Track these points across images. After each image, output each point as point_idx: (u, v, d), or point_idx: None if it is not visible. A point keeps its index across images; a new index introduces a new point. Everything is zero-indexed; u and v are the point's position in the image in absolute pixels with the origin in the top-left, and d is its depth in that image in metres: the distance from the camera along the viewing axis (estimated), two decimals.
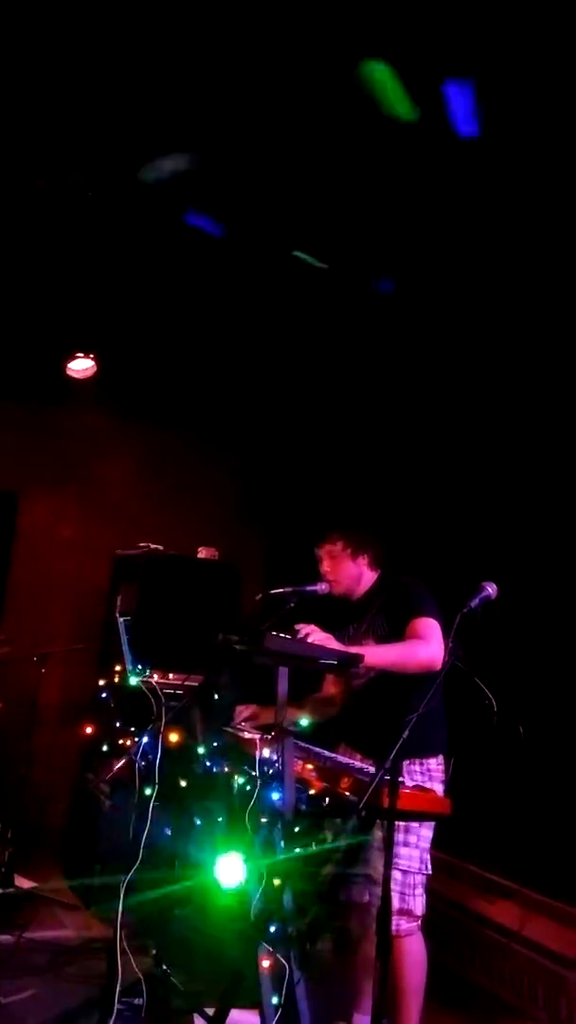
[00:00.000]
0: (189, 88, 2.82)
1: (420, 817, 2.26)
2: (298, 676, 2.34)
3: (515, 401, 3.68)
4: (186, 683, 2.81)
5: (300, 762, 2.24)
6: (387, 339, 4.12)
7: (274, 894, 2.12)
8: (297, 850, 2.15)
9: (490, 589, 1.97)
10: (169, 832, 2.80)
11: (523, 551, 3.44)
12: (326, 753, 2.35)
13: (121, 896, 2.46)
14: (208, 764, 2.59)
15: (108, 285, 4.08)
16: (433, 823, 2.43)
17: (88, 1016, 2.59)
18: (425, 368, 4.09)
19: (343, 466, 4.59)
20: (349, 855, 2.34)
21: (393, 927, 2.35)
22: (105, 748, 3.90)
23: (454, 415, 4.02)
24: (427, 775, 2.49)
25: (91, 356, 4.70)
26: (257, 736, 2.33)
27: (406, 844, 2.42)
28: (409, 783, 2.11)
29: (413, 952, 2.46)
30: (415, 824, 2.40)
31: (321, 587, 2.64)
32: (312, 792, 2.17)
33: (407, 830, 2.41)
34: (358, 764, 2.25)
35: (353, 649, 2.34)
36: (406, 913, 2.42)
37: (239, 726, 2.56)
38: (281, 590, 2.56)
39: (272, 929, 2.13)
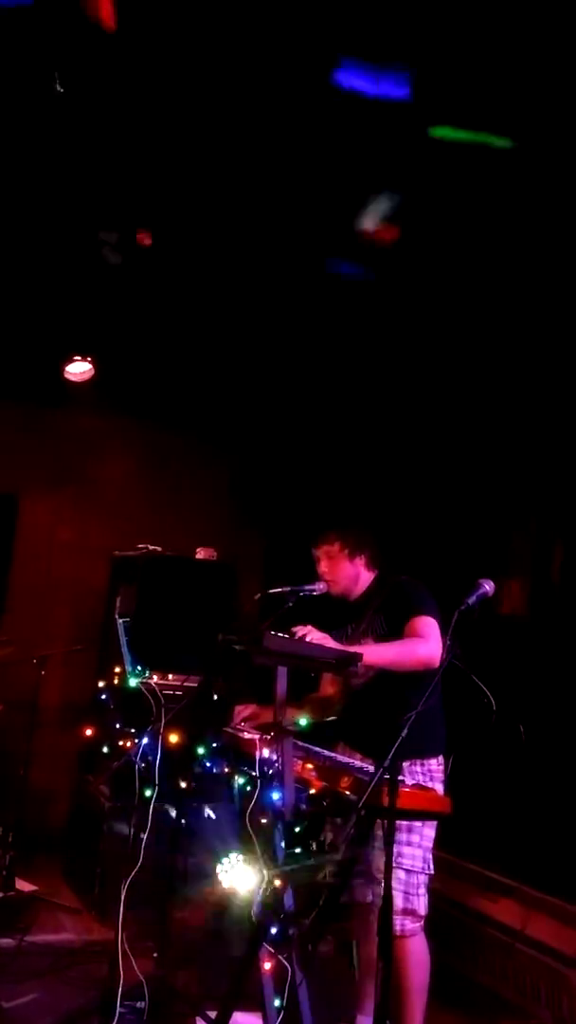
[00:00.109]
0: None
1: (420, 816, 2.25)
2: (297, 676, 2.33)
3: (511, 401, 3.67)
4: (185, 684, 2.80)
5: (300, 762, 2.23)
6: (385, 340, 4.12)
7: (275, 895, 2.11)
8: (298, 851, 2.14)
9: (487, 586, 1.96)
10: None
11: (520, 549, 3.44)
12: (325, 752, 2.35)
13: (122, 899, 2.45)
14: (208, 765, 2.58)
15: (105, 287, 4.07)
16: (435, 822, 2.43)
17: (90, 1020, 2.58)
18: (422, 368, 4.09)
19: (340, 467, 4.59)
20: (348, 855, 2.33)
21: (398, 927, 2.35)
22: (105, 750, 3.89)
23: (449, 416, 4.02)
24: (428, 775, 2.49)
25: (88, 359, 4.70)
26: (257, 736, 2.33)
27: (409, 843, 2.42)
28: (409, 782, 2.11)
29: (416, 952, 2.45)
30: (418, 823, 2.40)
31: (319, 587, 2.64)
32: (312, 792, 2.17)
33: (410, 829, 2.41)
34: (358, 763, 2.24)
35: (352, 648, 2.34)
36: (410, 913, 2.42)
37: (238, 726, 2.55)
38: (279, 590, 2.56)
39: (274, 930, 2.12)
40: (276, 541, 5.12)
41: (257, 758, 2.23)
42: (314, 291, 3.92)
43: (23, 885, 3.64)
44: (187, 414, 5.08)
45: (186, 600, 3.58)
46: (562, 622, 3.28)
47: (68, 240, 3.75)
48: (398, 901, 2.36)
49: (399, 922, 2.37)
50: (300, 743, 2.30)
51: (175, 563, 3.73)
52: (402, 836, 2.38)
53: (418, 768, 2.47)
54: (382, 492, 4.19)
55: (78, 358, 4.69)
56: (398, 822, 2.13)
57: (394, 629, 2.51)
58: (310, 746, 2.34)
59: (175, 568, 3.69)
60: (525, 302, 3.44)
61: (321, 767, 2.19)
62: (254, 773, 2.24)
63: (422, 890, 2.45)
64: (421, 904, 2.44)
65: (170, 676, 2.84)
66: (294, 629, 2.31)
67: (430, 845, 2.47)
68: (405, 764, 2.40)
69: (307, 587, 2.60)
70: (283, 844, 2.13)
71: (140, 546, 3.87)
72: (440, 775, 2.52)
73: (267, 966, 2.17)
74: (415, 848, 2.44)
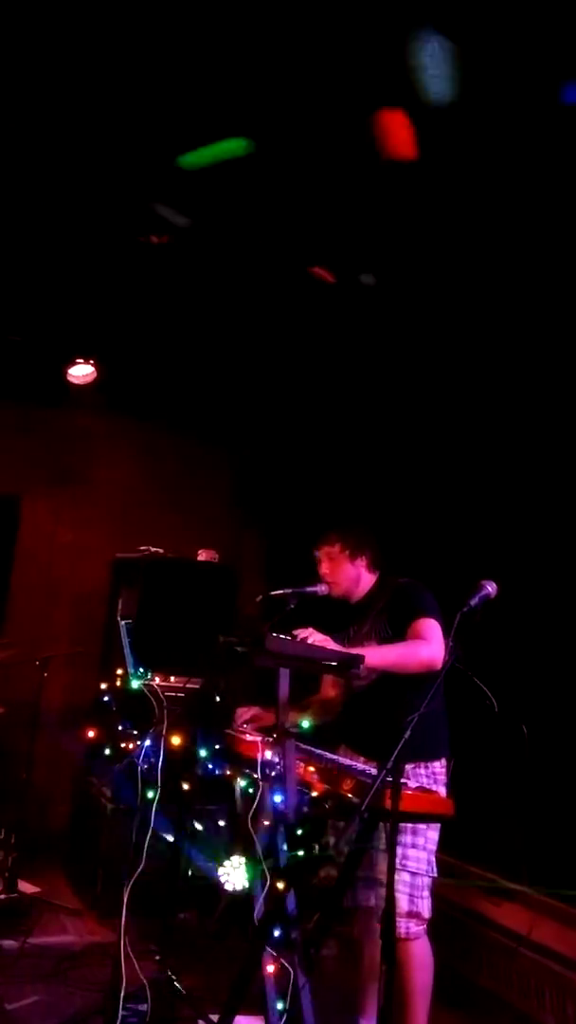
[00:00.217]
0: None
1: (423, 819, 2.25)
2: (299, 678, 2.32)
3: (513, 399, 3.66)
4: (187, 685, 2.80)
5: (302, 764, 2.23)
6: (386, 342, 4.11)
7: (277, 898, 2.10)
8: (300, 853, 2.14)
9: (490, 588, 1.96)
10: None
11: (523, 550, 3.43)
12: (328, 755, 2.34)
13: (124, 901, 2.45)
14: (210, 767, 2.58)
15: (108, 289, 4.07)
16: (439, 825, 2.42)
17: (92, 1022, 2.57)
18: (422, 371, 4.08)
19: (342, 468, 4.58)
20: (351, 858, 2.32)
21: (403, 930, 2.34)
22: (107, 751, 3.89)
23: (451, 419, 4.01)
24: (432, 778, 2.48)
25: (91, 361, 4.71)
26: (259, 738, 2.32)
27: (414, 846, 2.41)
28: (412, 785, 2.10)
29: (420, 955, 2.44)
30: (422, 826, 2.39)
31: (320, 588, 2.64)
32: (314, 794, 2.16)
33: (415, 832, 2.40)
34: (360, 766, 2.24)
35: (354, 650, 2.33)
36: (415, 916, 2.41)
37: (241, 728, 2.55)
38: (281, 592, 2.55)
39: (276, 933, 2.11)
40: (277, 542, 5.12)
41: (259, 760, 2.23)
42: (317, 292, 3.92)
43: (25, 887, 3.63)
44: (189, 416, 5.09)
45: (188, 602, 3.58)
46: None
47: (70, 242, 3.75)
48: (403, 904, 2.36)
49: (403, 925, 2.36)
50: (302, 745, 2.30)
51: (177, 565, 3.72)
52: (407, 838, 2.38)
53: (422, 771, 2.47)
54: (384, 493, 4.18)
55: (80, 360, 4.70)
56: (402, 824, 2.13)
57: (397, 631, 2.51)
58: (312, 748, 2.34)
59: (177, 570, 3.69)
60: (526, 304, 3.43)
61: (323, 770, 2.19)
62: (256, 775, 2.23)
63: (426, 893, 2.44)
64: (425, 907, 2.44)
65: (172, 678, 2.84)
66: (295, 631, 2.31)
67: (434, 848, 2.47)
68: (409, 767, 2.39)
69: (309, 589, 2.60)
70: (285, 847, 2.12)
71: (142, 548, 3.86)
72: (443, 777, 2.51)
73: (270, 969, 2.17)
74: (420, 851, 2.43)
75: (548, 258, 3.21)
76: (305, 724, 2.51)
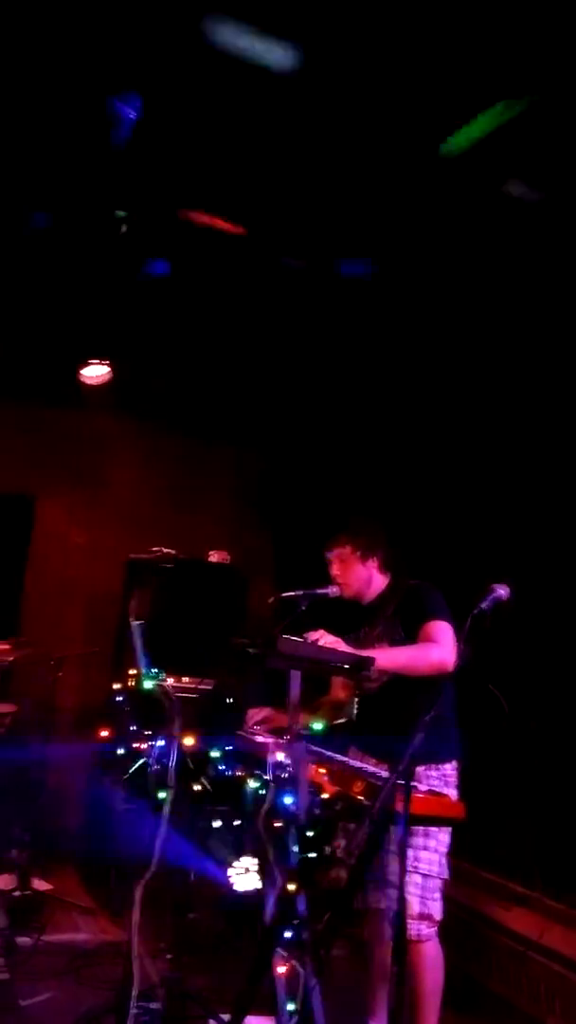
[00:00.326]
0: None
1: (434, 822, 2.24)
2: (310, 679, 2.33)
3: (526, 401, 3.64)
4: (200, 686, 2.81)
5: (313, 766, 2.23)
6: (398, 341, 4.11)
7: (288, 899, 2.11)
8: (311, 855, 2.14)
9: (501, 591, 1.95)
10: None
11: (537, 551, 3.41)
12: (338, 757, 2.35)
13: (136, 901, 2.46)
14: (222, 768, 2.59)
15: (122, 289, 4.10)
16: (450, 827, 2.42)
17: (105, 1020, 2.59)
18: (434, 372, 4.07)
19: (354, 470, 4.58)
20: (361, 860, 2.32)
21: (414, 932, 2.34)
22: (120, 751, 3.91)
23: (464, 418, 3.99)
24: (443, 780, 2.48)
25: (105, 362, 4.73)
26: (270, 740, 2.33)
27: (426, 848, 2.41)
28: (423, 788, 2.10)
29: (431, 957, 2.44)
30: (434, 828, 2.39)
31: (332, 590, 2.64)
32: (325, 796, 2.16)
33: (426, 834, 2.40)
34: (371, 768, 2.24)
35: (365, 652, 2.33)
36: (427, 917, 2.41)
37: (252, 729, 2.56)
38: (293, 593, 2.56)
39: (287, 934, 2.12)
40: (288, 544, 5.13)
41: (270, 762, 2.23)
42: (327, 292, 3.92)
43: (39, 884, 3.67)
44: (201, 417, 5.10)
45: (200, 603, 3.60)
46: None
47: (85, 243, 3.77)
48: (414, 906, 2.36)
49: (415, 927, 2.36)
50: (313, 747, 2.30)
51: (189, 566, 3.74)
52: (419, 840, 2.38)
53: (433, 773, 2.46)
54: (395, 495, 4.18)
55: (94, 361, 4.73)
56: (414, 827, 2.12)
57: (409, 634, 2.51)
58: (323, 750, 2.34)
59: (189, 571, 3.71)
60: (533, 304, 3.42)
61: (334, 771, 2.19)
62: (267, 777, 2.24)
63: (437, 895, 2.44)
64: (436, 909, 2.43)
65: (184, 678, 2.85)
66: (306, 634, 2.31)
67: (445, 850, 2.46)
68: (420, 769, 2.39)
69: (320, 590, 2.60)
70: (296, 849, 2.13)
71: (154, 549, 3.88)
72: (455, 780, 2.51)
73: (281, 970, 2.17)
74: (431, 853, 2.43)
75: (558, 261, 3.19)
76: (317, 726, 2.51)
